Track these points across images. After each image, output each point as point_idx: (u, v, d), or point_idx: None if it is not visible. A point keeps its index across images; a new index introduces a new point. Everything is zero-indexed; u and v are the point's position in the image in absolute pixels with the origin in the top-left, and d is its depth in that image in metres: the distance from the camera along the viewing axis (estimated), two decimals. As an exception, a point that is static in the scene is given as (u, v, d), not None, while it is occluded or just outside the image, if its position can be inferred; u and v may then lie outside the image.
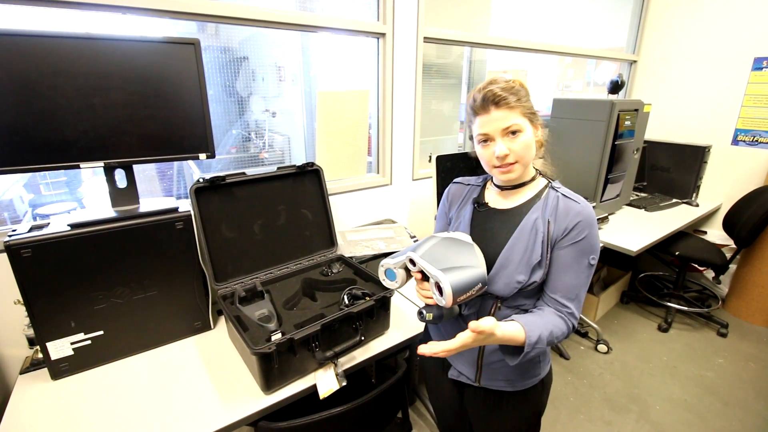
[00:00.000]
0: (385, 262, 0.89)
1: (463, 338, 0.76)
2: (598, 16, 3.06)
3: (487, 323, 0.75)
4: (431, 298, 0.82)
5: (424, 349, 0.77)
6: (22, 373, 1.09)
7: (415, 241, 1.69)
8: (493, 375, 0.96)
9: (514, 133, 0.83)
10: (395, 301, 1.40)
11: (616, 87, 2.24)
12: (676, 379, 2.14)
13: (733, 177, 2.80)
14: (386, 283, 0.91)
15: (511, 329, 0.79)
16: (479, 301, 0.92)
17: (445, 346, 0.76)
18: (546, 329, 0.81)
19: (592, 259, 0.85)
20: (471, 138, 0.92)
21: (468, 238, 0.92)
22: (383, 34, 1.79)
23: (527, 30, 2.58)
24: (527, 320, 0.82)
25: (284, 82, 2.01)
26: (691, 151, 2.76)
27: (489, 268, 0.89)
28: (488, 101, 0.83)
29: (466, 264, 0.82)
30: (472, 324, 0.74)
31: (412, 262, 0.83)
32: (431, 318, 0.84)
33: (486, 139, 0.86)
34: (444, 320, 0.87)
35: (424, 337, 1.16)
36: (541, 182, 0.92)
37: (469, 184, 1.03)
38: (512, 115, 0.82)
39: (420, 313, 0.85)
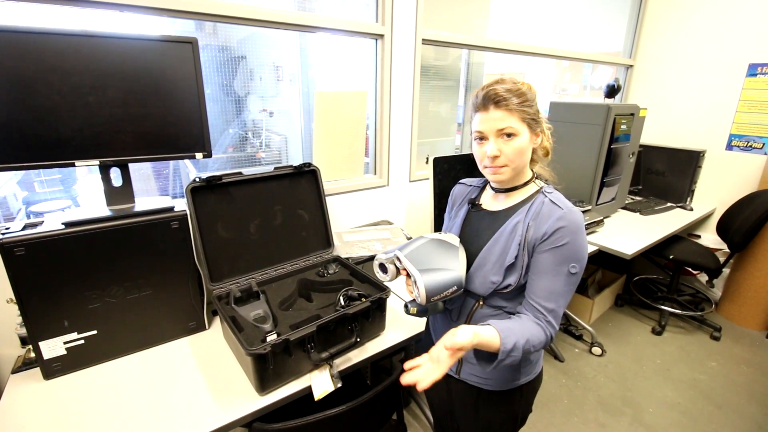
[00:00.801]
0: (379, 257, 0.93)
1: (447, 365, 0.77)
2: (595, 21, 3.08)
3: (463, 337, 0.75)
4: None
5: (407, 380, 0.78)
6: (13, 372, 1.08)
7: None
8: (472, 370, 0.98)
9: (509, 135, 0.83)
10: (391, 303, 1.39)
11: (612, 91, 2.26)
12: (669, 382, 2.15)
13: (727, 182, 2.83)
14: (379, 275, 0.95)
15: (487, 334, 0.78)
16: (462, 298, 0.95)
17: (426, 381, 0.76)
18: (522, 337, 0.80)
19: (572, 267, 0.82)
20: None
21: (455, 240, 0.94)
22: (381, 36, 1.79)
23: (525, 33, 2.59)
24: (504, 326, 0.81)
25: (282, 82, 2.00)
26: (685, 155, 2.78)
27: (468, 266, 0.92)
28: (489, 100, 0.83)
29: (445, 267, 0.87)
30: (448, 342, 0.75)
31: (398, 259, 0.88)
32: (415, 312, 0.92)
33: (481, 137, 0.86)
34: (429, 314, 0.95)
35: (424, 337, 1.17)
36: (533, 187, 0.92)
37: (471, 185, 1.05)
38: (510, 118, 0.82)
39: (406, 306, 0.93)
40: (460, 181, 1.09)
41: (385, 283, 1.04)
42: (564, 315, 2.59)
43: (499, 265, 0.87)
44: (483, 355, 0.83)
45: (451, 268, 0.86)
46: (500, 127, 0.82)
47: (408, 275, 0.87)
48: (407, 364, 0.82)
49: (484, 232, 0.93)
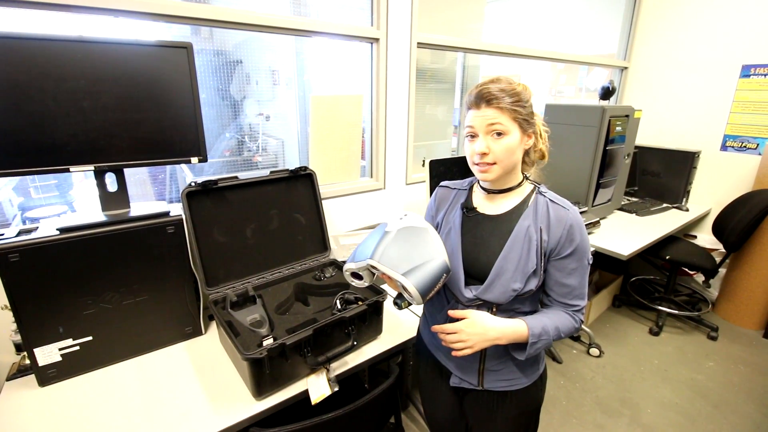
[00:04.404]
0: (348, 267, 0.88)
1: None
2: (589, 23, 3.10)
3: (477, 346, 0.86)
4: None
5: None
6: (8, 379, 1.07)
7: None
8: (495, 377, 0.98)
9: (499, 134, 0.83)
10: (388, 306, 1.39)
11: (607, 93, 2.27)
12: (667, 383, 2.15)
13: (722, 182, 2.85)
14: (355, 284, 0.91)
15: (512, 324, 0.87)
16: (474, 309, 0.93)
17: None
18: (552, 324, 0.87)
19: (589, 259, 0.90)
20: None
21: (420, 221, 0.90)
22: (377, 39, 1.80)
23: (520, 36, 2.61)
24: (531, 317, 0.89)
25: (278, 86, 2.01)
26: (680, 156, 2.80)
27: (484, 277, 0.90)
28: (481, 98, 0.84)
29: (427, 257, 0.82)
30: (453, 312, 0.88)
31: (372, 266, 0.83)
32: (407, 305, 0.89)
33: (472, 134, 0.87)
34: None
35: (417, 342, 1.16)
36: (528, 187, 0.93)
37: (455, 188, 1.03)
38: (500, 116, 0.83)
39: (396, 303, 0.88)
40: (442, 183, 1.06)
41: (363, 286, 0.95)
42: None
43: (520, 272, 0.87)
44: (514, 346, 0.90)
45: (432, 255, 0.82)
46: (489, 123, 0.83)
47: (390, 278, 0.83)
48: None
49: (490, 239, 0.91)
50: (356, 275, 0.89)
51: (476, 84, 0.88)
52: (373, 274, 0.88)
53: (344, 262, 1.49)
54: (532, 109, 0.88)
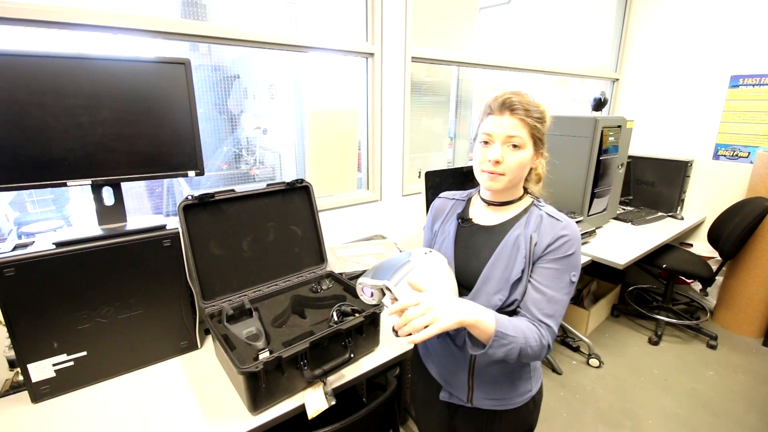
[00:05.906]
0: (363, 281, 0.89)
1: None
2: (581, 36, 3.17)
3: (447, 322, 0.73)
4: None
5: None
6: (0, 396, 1.06)
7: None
8: (484, 394, 0.96)
9: (515, 146, 0.84)
10: (385, 318, 1.39)
11: (599, 104, 2.31)
12: (668, 393, 2.14)
13: (715, 191, 2.88)
14: (363, 298, 0.92)
15: (482, 308, 0.78)
16: None
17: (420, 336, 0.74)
18: (521, 332, 0.79)
19: (573, 275, 0.84)
20: (474, 139, 0.92)
21: (444, 262, 0.91)
22: (372, 54, 1.83)
23: (513, 49, 2.66)
24: (503, 317, 0.80)
25: (275, 100, 2.03)
26: (674, 165, 2.84)
27: (471, 285, 0.90)
28: (505, 106, 0.84)
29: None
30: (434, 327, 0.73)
31: (388, 289, 0.85)
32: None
33: (487, 141, 0.86)
34: None
35: (413, 356, 1.16)
36: (527, 201, 0.93)
37: (453, 199, 1.03)
38: (521, 129, 0.83)
39: (395, 329, 0.86)
40: (440, 195, 1.07)
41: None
42: (560, 326, 2.58)
43: (504, 281, 0.85)
44: (473, 341, 0.81)
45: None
46: (510, 134, 0.83)
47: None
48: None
49: (482, 249, 0.91)
50: (367, 290, 0.90)
51: (501, 92, 0.88)
52: (384, 294, 0.89)
53: (341, 274, 1.50)
54: (545, 131, 0.89)
